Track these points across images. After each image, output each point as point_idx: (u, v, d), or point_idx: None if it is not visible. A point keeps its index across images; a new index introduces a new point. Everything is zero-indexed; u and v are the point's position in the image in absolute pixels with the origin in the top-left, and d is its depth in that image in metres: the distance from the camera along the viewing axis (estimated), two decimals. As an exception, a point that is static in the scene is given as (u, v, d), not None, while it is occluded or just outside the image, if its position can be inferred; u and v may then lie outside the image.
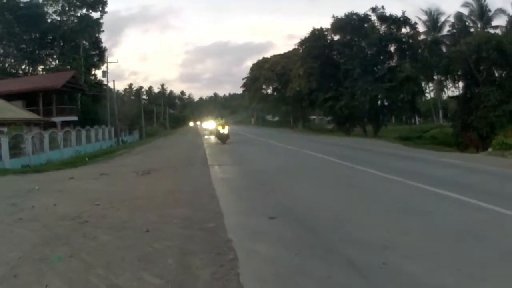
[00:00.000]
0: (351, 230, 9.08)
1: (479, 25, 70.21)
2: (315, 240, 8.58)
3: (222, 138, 42.68)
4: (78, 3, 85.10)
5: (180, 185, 16.52)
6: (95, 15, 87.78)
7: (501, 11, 69.64)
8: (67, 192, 16.38)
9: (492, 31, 66.12)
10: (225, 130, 42.46)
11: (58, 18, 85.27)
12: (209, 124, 70.17)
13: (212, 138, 46.70)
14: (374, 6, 65.31)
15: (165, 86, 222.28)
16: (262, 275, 6.82)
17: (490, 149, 30.38)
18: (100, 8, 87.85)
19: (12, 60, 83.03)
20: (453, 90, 70.97)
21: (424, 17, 78.70)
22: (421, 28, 72.39)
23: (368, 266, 6.99)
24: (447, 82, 67.51)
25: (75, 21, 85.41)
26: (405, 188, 14.32)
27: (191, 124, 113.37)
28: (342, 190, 14.65)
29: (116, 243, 8.80)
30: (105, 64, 79.36)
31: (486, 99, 50.03)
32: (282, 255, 7.71)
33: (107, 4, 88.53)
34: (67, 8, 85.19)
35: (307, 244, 8.31)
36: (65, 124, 57.82)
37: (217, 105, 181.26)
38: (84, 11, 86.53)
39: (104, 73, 75.97)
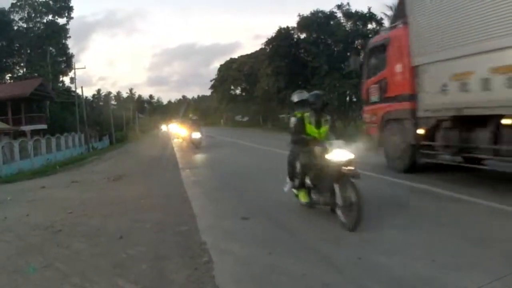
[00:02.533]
0: (327, 228, 9.15)
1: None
2: (289, 238, 8.64)
3: (195, 142, 37.39)
4: (44, 9, 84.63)
5: (151, 190, 16.47)
6: (61, 21, 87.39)
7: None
8: (39, 201, 16.30)
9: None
10: (196, 135, 36.84)
11: (25, 25, 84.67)
12: (177, 128, 59.09)
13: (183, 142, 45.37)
14: (339, 3, 65.74)
15: (133, 91, 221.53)
16: (237, 276, 6.89)
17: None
18: (66, 14, 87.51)
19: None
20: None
21: (390, 13, 79.12)
22: (387, 23, 72.80)
23: (344, 261, 7.09)
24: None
25: (42, 27, 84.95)
26: (381, 182, 14.40)
27: (163, 128, 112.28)
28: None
29: (90, 250, 8.79)
30: (73, 71, 79.07)
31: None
32: (257, 255, 7.77)
33: (73, 9, 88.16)
34: (33, 15, 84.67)
35: (281, 242, 8.38)
36: (34, 132, 57.46)
37: (188, 106, 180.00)
38: (50, 17, 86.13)
39: (72, 80, 76.15)
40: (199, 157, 28.97)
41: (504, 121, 11.17)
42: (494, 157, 12.07)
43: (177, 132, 54.71)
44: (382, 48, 17.08)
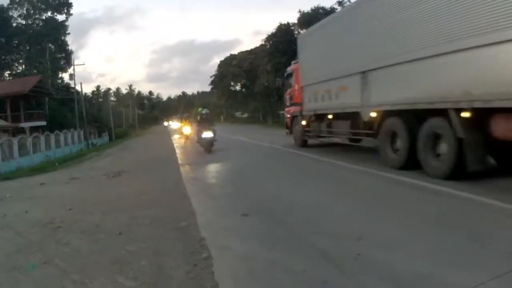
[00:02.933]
0: (324, 224, 9.15)
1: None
2: (288, 234, 8.63)
3: (205, 144, 28.40)
4: (43, 6, 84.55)
5: (151, 186, 16.48)
6: (60, 17, 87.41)
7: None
8: (39, 198, 16.30)
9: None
10: (207, 134, 27.99)
11: (24, 22, 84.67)
12: (179, 125, 57.58)
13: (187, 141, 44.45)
14: (340, 0, 65.67)
15: (133, 87, 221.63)
16: (237, 272, 6.88)
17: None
18: (65, 11, 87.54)
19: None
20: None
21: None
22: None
23: (343, 257, 7.06)
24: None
25: (41, 24, 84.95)
26: (375, 178, 14.44)
27: (165, 123, 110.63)
28: (312, 183, 14.70)
29: (89, 247, 8.79)
30: (72, 67, 78.84)
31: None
32: (256, 251, 7.76)
33: (72, 6, 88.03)
34: (32, 12, 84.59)
35: (281, 239, 8.36)
36: (33, 129, 57.34)
37: (192, 103, 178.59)
38: (49, 14, 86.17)
39: (71, 76, 75.74)
40: (198, 153, 28.91)
41: (330, 116, 22.74)
42: (329, 136, 24.03)
43: (180, 129, 51.76)
44: (291, 74, 29.32)
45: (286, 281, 6.36)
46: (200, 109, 32.20)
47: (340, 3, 65.59)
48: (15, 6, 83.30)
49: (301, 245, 7.81)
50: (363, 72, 17.94)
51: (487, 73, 11.47)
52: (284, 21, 70.07)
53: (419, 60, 14.32)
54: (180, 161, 24.70)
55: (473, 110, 12.19)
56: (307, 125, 25.83)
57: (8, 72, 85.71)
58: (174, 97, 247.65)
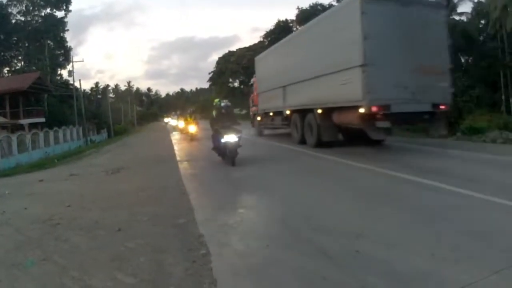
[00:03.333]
0: (322, 220, 9.18)
1: (445, 13, 70.71)
2: (287, 231, 8.67)
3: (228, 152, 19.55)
4: (42, 2, 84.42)
5: (149, 182, 16.47)
6: (59, 14, 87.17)
7: (466, -2, 70.77)
8: (38, 195, 16.28)
9: (457, 17, 66.76)
10: (231, 137, 18.96)
11: (23, 19, 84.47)
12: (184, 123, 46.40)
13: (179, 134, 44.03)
14: (339, -4, 65.87)
15: (131, 84, 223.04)
16: (235, 269, 6.91)
17: (458, 134, 30.79)
18: (64, 7, 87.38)
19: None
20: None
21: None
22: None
23: (341, 254, 7.13)
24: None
25: (40, 21, 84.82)
26: (375, 175, 14.47)
27: (165, 120, 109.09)
28: (311, 180, 14.73)
29: (88, 244, 8.82)
30: (71, 64, 78.89)
31: (453, 84, 50.68)
32: (255, 248, 7.82)
33: (71, 2, 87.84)
34: (31, 8, 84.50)
35: (279, 235, 8.43)
36: (32, 126, 57.36)
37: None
38: (48, 10, 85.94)
39: (70, 73, 75.57)
40: (196, 150, 29.00)
41: (271, 114, 33.74)
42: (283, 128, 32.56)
43: (186, 128, 42.73)
44: (252, 84, 41.35)
45: (284, 277, 6.39)
46: (217, 100, 22.70)
47: (338, 0, 65.65)
48: (14, 2, 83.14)
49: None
50: (284, 86, 29.28)
51: (329, 90, 21.93)
52: (283, 18, 70.19)
53: (302, 82, 25.81)
54: (178, 158, 24.75)
55: (323, 109, 23.26)
56: (261, 120, 38.06)
57: (7, 68, 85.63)
58: (172, 94, 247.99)
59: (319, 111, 23.28)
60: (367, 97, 18.48)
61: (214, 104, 22.24)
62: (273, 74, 31.79)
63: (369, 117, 18.91)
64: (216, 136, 20.10)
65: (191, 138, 38.96)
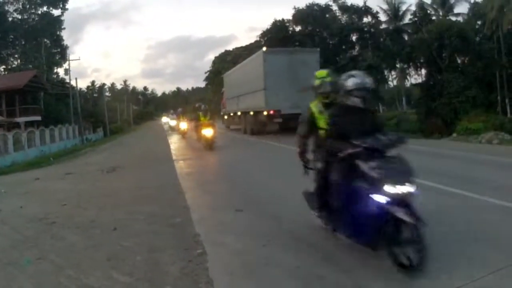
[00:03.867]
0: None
1: (440, 13, 70.81)
2: (282, 230, 8.69)
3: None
4: (39, 0, 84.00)
5: (146, 181, 16.50)
6: (56, 12, 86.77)
7: (463, -2, 70.74)
8: (34, 193, 16.32)
9: (454, 18, 66.94)
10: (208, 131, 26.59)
11: (19, 17, 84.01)
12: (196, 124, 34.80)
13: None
14: (335, -4, 66.10)
15: (127, 82, 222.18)
16: (231, 268, 6.93)
17: (454, 134, 31.01)
18: (61, 5, 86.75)
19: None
20: (416, 77, 72.25)
21: (386, 6, 79.29)
22: (382, 17, 72.99)
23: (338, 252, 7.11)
24: (410, 69, 68.49)
25: (36, 19, 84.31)
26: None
27: (164, 120, 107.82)
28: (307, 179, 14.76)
29: (84, 242, 8.83)
30: (67, 62, 78.46)
31: (449, 85, 51.17)
32: (251, 247, 7.83)
33: (68, 1, 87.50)
34: (28, 6, 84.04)
35: (275, 234, 8.44)
36: (28, 124, 57.08)
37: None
38: (45, 8, 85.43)
39: (67, 71, 75.60)
40: (192, 149, 29.02)
41: (232, 114, 48.77)
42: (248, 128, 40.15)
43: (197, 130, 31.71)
44: (223, 93, 55.76)
45: (280, 277, 6.41)
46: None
47: (335, 0, 65.91)
48: (11, 0, 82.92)
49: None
50: (237, 97, 43.22)
51: (253, 101, 36.91)
52: (279, 18, 70.05)
53: (244, 95, 40.23)
54: (174, 157, 24.74)
55: (253, 112, 37.23)
56: (228, 118, 52.29)
57: (4, 66, 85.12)
58: (169, 93, 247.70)
59: (251, 113, 38.42)
60: (266, 106, 34.12)
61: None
62: (232, 88, 48.31)
63: (269, 116, 34.49)
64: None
65: (207, 144, 27.16)
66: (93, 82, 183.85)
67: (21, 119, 58.09)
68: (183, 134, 44.15)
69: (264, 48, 36.98)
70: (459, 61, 58.24)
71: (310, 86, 8.52)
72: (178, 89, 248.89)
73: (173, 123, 58.04)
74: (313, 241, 7.81)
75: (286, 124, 32.69)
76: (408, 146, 18.70)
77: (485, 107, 52.25)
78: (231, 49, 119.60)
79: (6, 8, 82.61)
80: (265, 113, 34.40)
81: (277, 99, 32.59)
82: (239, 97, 42.82)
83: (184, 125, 45.07)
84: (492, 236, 7.62)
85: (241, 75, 43.59)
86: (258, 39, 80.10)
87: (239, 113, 43.72)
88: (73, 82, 77.18)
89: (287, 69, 33.22)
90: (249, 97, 38.73)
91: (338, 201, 7.20)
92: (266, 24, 79.60)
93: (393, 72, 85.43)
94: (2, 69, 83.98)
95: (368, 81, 7.10)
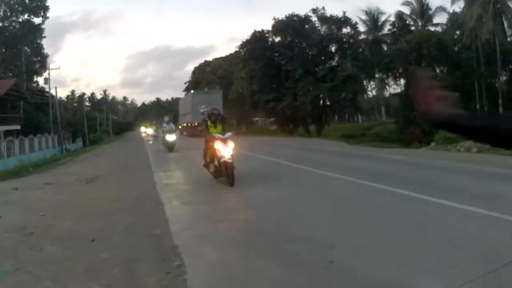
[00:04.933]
0: (298, 230, 9.26)
1: (420, 23, 71.47)
2: (262, 241, 8.71)
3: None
4: (20, 8, 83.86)
5: (124, 192, 16.48)
6: (37, 20, 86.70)
7: (442, 9, 71.69)
8: (12, 203, 16.19)
9: (433, 28, 67.64)
10: (171, 137, 36.35)
11: (0, 24, 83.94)
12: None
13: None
14: (315, 7, 66.34)
15: (107, 92, 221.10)
16: (210, 280, 6.95)
17: (433, 144, 31.13)
18: (42, 14, 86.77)
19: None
20: (394, 87, 72.49)
21: (365, 17, 79.74)
22: (361, 27, 73.60)
23: (316, 264, 7.18)
24: (389, 79, 68.62)
25: (17, 26, 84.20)
26: (351, 185, 14.60)
27: (142, 129, 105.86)
28: (288, 190, 14.80)
29: (62, 253, 8.78)
30: (47, 71, 78.41)
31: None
32: (230, 258, 7.84)
33: (49, 9, 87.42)
34: (8, 14, 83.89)
35: (254, 245, 8.44)
36: (8, 133, 56.90)
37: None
38: (26, 16, 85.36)
39: (46, 80, 75.18)
40: (172, 160, 29.06)
41: (185, 124, 76.97)
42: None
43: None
44: (178, 111, 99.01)
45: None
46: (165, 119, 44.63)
47: (314, 11, 66.11)
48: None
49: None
50: (183, 115, 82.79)
51: (190, 117, 68.35)
52: (259, 28, 70.21)
53: (184, 115, 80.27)
54: (153, 168, 24.72)
55: (188, 124, 70.83)
56: (181, 128, 75.40)
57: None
58: (148, 103, 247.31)
59: (188, 124, 66.86)
60: (193, 120, 62.39)
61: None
62: (181, 110, 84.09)
63: (195, 126, 57.71)
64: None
65: (225, 174, 16.64)
66: (73, 92, 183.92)
67: (0, 128, 57.78)
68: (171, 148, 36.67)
69: (192, 91, 79.63)
70: (437, 70, 58.70)
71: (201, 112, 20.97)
72: (158, 99, 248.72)
73: (171, 137, 37.17)
74: (294, 251, 7.84)
75: (188, 130, 69.95)
76: (387, 156, 19.14)
77: (464, 116, 52.81)
78: (211, 59, 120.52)
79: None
80: (193, 124, 64.32)
81: (198, 117, 38.74)
82: (184, 116, 79.33)
83: (172, 137, 37.08)
84: (470, 244, 7.69)
85: (183, 104, 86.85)
86: (237, 49, 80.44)
87: (184, 124, 75.94)
88: (52, 91, 76.55)
89: (204, 102, 45.04)
90: (186, 116, 73.35)
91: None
92: (246, 34, 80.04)
93: (372, 82, 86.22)
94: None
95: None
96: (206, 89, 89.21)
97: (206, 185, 16.88)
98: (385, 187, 13.46)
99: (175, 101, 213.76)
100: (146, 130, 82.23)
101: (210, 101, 55.85)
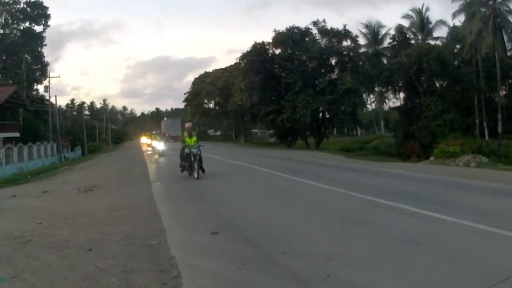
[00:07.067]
0: (294, 242, 9.24)
1: (420, 37, 71.64)
2: (258, 254, 8.70)
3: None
4: (21, 16, 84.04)
5: (122, 202, 16.44)
6: (38, 28, 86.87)
7: (442, 22, 72.04)
8: (9, 210, 16.20)
9: (433, 42, 67.84)
10: (159, 145, 55.63)
11: (1, 31, 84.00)
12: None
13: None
14: (315, 20, 66.52)
15: (107, 101, 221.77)
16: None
17: (432, 158, 31.24)
18: (43, 22, 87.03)
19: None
20: (394, 101, 72.84)
21: (365, 30, 79.91)
22: (362, 41, 73.78)
23: (313, 278, 7.15)
24: (388, 93, 68.80)
25: (18, 34, 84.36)
26: (348, 199, 14.57)
27: (143, 140, 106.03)
28: (285, 203, 14.78)
29: (59, 262, 8.75)
30: (47, 79, 78.56)
31: (427, 109, 51.69)
32: (226, 270, 7.79)
33: (50, 17, 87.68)
34: (10, 21, 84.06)
35: (250, 258, 8.42)
36: (7, 140, 56.88)
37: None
38: (27, 24, 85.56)
39: (46, 88, 75.28)
40: (169, 170, 29.00)
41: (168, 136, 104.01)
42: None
43: None
44: (161, 128, 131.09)
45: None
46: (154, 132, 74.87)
47: (315, 24, 66.21)
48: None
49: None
50: (164, 130, 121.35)
51: (169, 131, 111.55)
52: (260, 40, 70.26)
53: (164, 130, 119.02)
54: (151, 178, 24.72)
55: (166, 136, 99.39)
56: (165, 139, 74.89)
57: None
58: (148, 113, 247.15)
59: (166, 135, 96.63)
60: (167, 132, 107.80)
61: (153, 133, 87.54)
62: (162, 127, 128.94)
63: (168, 137, 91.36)
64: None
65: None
66: (72, 100, 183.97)
67: (-1, 135, 57.79)
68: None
69: (165, 118, 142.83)
70: (437, 84, 58.96)
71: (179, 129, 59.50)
72: (157, 109, 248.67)
73: (161, 146, 46.24)
74: (289, 264, 7.82)
75: (174, 138, 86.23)
76: (385, 170, 19.03)
77: (463, 131, 53.03)
78: (210, 70, 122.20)
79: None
80: (167, 135, 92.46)
81: (172, 132, 67.11)
82: (163, 131, 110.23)
83: None
84: (468, 259, 7.70)
85: (163, 124, 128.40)
86: (237, 61, 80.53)
87: (167, 135, 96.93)
88: (52, 100, 76.62)
89: (170, 124, 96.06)
90: (171, 129, 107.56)
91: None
92: (246, 46, 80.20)
93: (371, 96, 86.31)
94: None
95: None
96: (184, 115, 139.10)
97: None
98: (382, 201, 13.45)
99: (174, 112, 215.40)
100: (149, 142, 73.39)
101: (174, 124, 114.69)
